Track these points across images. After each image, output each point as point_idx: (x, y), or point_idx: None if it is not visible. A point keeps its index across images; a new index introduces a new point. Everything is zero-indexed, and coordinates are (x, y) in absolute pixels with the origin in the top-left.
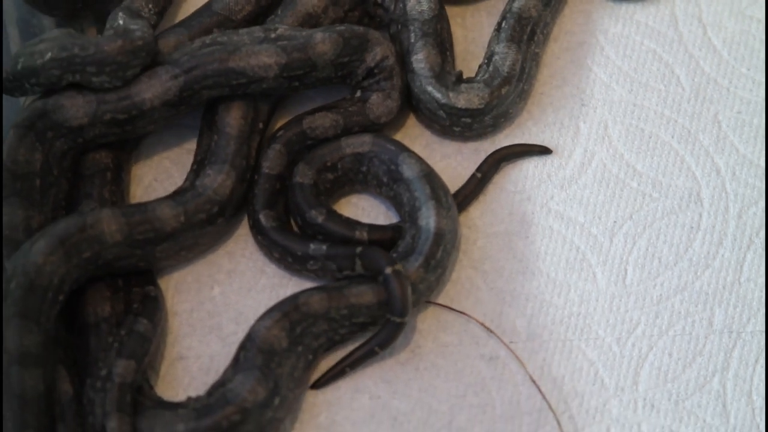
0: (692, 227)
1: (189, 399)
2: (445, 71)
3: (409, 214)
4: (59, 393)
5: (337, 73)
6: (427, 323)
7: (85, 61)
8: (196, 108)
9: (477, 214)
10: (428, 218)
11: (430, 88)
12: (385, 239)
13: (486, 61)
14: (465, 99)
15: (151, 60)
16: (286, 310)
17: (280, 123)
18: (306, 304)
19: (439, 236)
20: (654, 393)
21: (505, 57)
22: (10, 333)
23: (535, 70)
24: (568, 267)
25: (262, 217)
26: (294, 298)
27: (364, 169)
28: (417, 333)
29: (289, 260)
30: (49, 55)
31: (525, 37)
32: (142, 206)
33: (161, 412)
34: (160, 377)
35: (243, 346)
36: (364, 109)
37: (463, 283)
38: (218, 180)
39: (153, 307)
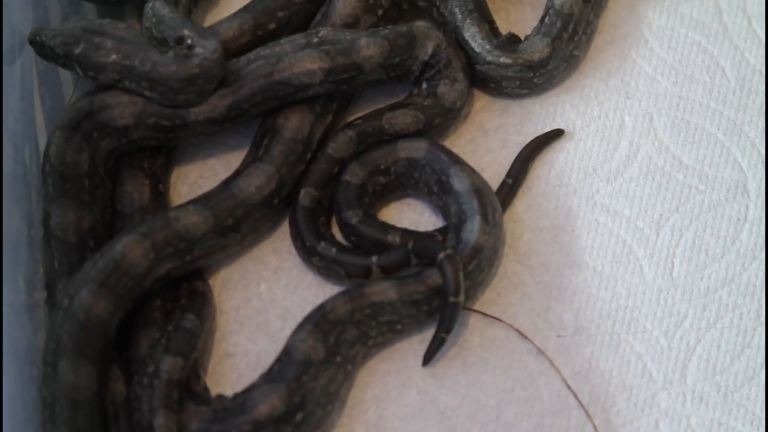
0: (739, 219)
1: (219, 397)
2: (499, 40)
3: (455, 225)
4: (113, 393)
5: (389, 75)
6: (474, 318)
7: (141, 75)
8: (243, 126)
9: (522, 208)
10: (471, 233)
11: (490, 57)
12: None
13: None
14: (533, 53)
15: (213, 88)
16: (317, 320)
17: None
18: (332, 311)
19: (475, 251)
20: (703, 386)
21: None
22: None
23: (570, 71)
24: (614, 260)
25: (302, 192)
26: (320, 308)
27: (416, 175)
28: (464, 328)
29: (298, 244)
30: (113, 57)
31: (565, 35)
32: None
33: (188, 403)
34: (208, 374)
35: (279, 359)
36: (438, 100)
37: (509, 278)
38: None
39: (201, 303)
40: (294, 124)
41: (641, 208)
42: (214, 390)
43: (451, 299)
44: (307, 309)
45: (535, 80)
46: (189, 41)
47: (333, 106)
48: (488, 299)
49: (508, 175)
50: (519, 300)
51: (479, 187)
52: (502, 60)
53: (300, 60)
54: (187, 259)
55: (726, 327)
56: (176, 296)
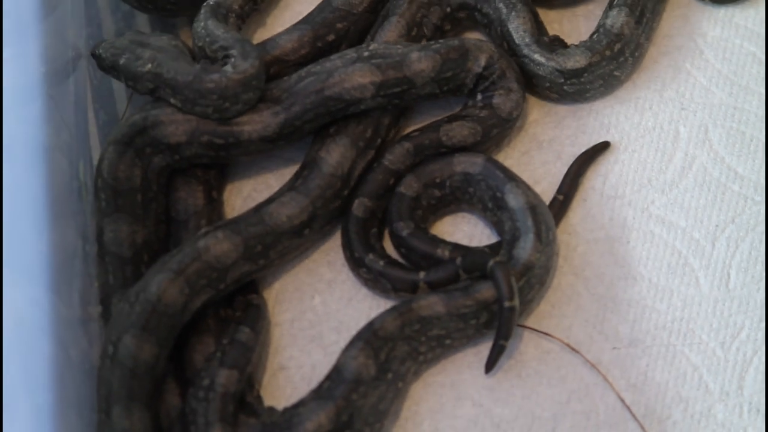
0: None
1: (270, 410)
2: (542, 37)
3: (508, 242)
4: (168, 406)
5: (442, 89)
6: (528, 330)
7: (165, 82)
8: (296, 142)
9: (577, 220)
10: (523, 250)
11: (526, 51)
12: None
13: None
14: (567, 60)
15: (254, 102)
16: (367, 337)
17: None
18: (382, 328)
19: (526, 268)
20: (760, 397)
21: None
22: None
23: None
24: (670, 272)
25: (356, 202)
26: (370, 324)
27: (471, 190)
28: (518, 340)
29: (348, 254)
30: (148, 66)
31: (608, 53)
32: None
33: (239, 414)
34: (262, 387)
35: (329, 376)
36: (494, 111)
37: (564, 290)
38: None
39: (255, 315)
40: (335, 159)
41: (696, 219)
42: (268, 403)
43: (506, 304)
44: (362, 322)
45: (565, 87)
46: (232, 60)
47: (377, 142)
48: (543, 311)
49: (558, 191)
50: (573, 312)
51: (534, 205)
52: (536, 56)
53: (351, 74)
54: (221, 288)
55: None
56: (229, 303)
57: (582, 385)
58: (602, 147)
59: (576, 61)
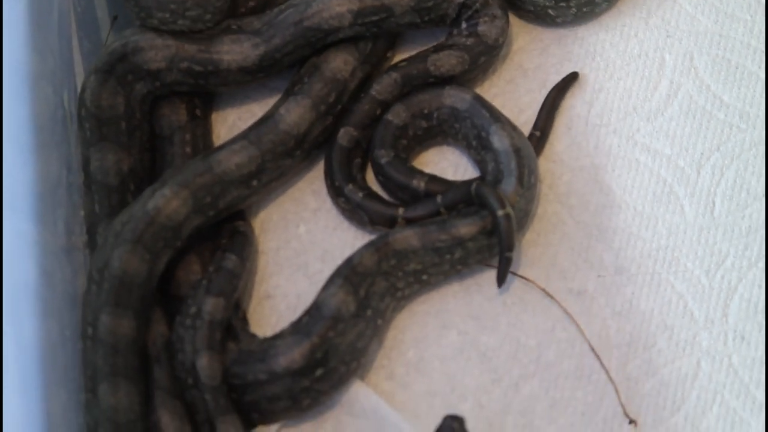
0: None
1: (251, 336)
2: None
3: (490, 183)
4: (155, 335)
5: (423, 18)
6: (514, 258)
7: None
8: (275, 75)
9: (562, 148)
10: (504, 192)
11: None
12: (442, 193)
13: None
14: None
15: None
16: (346, 273)
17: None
18: (360, 264)
19: None
20: (744, 325)
21: None
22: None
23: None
24: (655, 200)
25: (342, 131)
26: (349, 260)
27: (457, 125)
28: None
29: (328, 182)
30: None
31: None
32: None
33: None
34: (248, 315)
35: (308, 311)
36: (480, 39)
37: (549, 218)
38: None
39: (241, 243)
40: (293, 118)
41: (682, 147)
42: (254, 331)
43: (500, 212)
44: (347, 251)
45: (549, 11)
46: None
47: (338, 108)
48: (528, 240)
49: (534, 127)
50: (559, 240)
51: (519, 147)
52: None
53: (328, 3)
54: (177, 246)
55: None
56: (217, 236)
57: (568, 312)
58: (571, 78)
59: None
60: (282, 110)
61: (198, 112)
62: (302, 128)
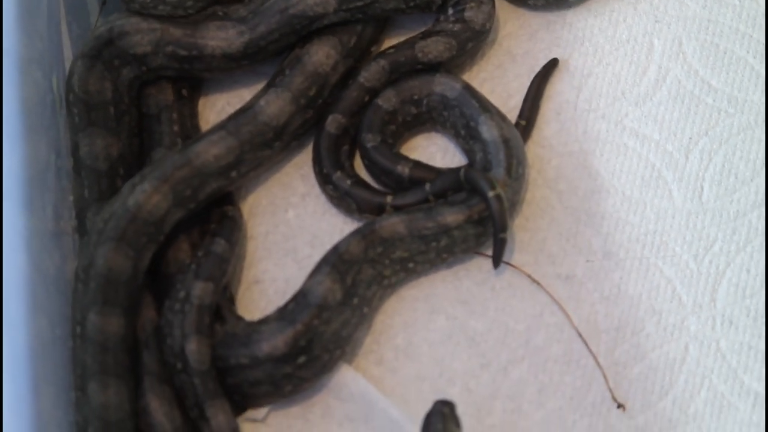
0: None
1: (237, 319)
2: None
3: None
4: (143, 320)
5: (408, 4)
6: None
7: None
8: (259, 62)
9: (551, 133)
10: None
11: None
12: (427, 180)
13: None
14: None
15: None
16: (333, 261)
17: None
18: (347, 251)
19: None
20: (732, 309)
21: None
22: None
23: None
24: (643, 185)
25: (330, 118)
26: (335, 248)
27: (446, 113)
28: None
29: (316, 169)
30: None
31: None
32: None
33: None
34: (237, 300)
35: (295, 298)
36: (467, 24)
37: (538, 203)
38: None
39: (230, 227)
40: (272, 110)
41: (670, 131)
42: (242, 314)
43: (491, 194)
44: (335, 236)
45: None
46: None
47: (318, 102)
48: (517, 225)
49: (520, 116)
50: (547, 225)
51: (507, 138)
52: None
53: None
54: (160, 240)
55: (755, 250)
56: (206, 220)
57: (555, 298)
58: (552, 65)
59: None
60: (262, 102)
61: (185, 92)
62: (281, 120)
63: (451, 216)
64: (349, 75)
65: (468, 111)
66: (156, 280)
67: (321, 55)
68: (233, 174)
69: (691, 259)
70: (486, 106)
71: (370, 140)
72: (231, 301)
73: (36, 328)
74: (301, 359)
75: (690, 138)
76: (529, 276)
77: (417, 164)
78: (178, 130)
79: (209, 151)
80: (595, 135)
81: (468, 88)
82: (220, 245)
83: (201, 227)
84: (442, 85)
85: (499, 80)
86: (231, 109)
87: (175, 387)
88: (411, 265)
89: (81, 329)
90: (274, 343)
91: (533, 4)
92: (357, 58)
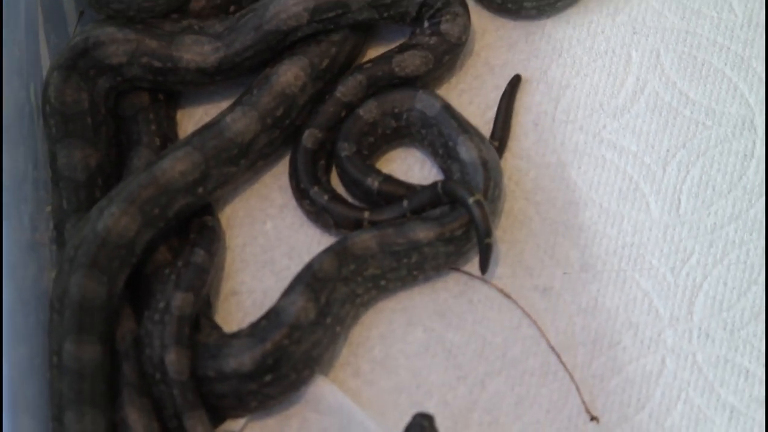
0: (746, 155)
1: (213, 329)
2: None
3: None
4: (123, 331)
5: (382, 15)
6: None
7: None
8: (233, 79)
9: (529, 144)
10: None
11: None
12: (396, 194)
13: None
14: None
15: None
16: (307, 280)
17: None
18: (321, 269)
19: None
20: (709, 322)
21: None
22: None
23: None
24: (621, 197)
25: (306, 133)
26: (309, 267)
27: (424, 131)
28: (470, 265)
29: (293, 184)
30: None
31: None
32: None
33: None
34: (215, 312)
35: (267, 315)
36: (443, 38)
37: (515, 215)
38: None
39: (210, 238)
40: (238, 127)
41: (648, 144)
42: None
43: (470, 200)
44: (313, 248)
45: (525, 3)
46: None
47: (286, 122)
48: (494, 236)
49: (492, 137)
50: (525, 237)
51: (486, 160)
52: None
53: (285, 4)
54: (134, 262)
55: (732, 263)
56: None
57: (533, 311)
58: (516, 81)
59: None
60: (228, 118)
61: (161, 96)
62: (247, 138)
63: (423, 232)
64: (319, 96)
65: (446, 131)
66: (141, 281)
67: (290, 75)
68: (200, 190)
69: (669, 271)
70: (465, 127)
71: (345, 149)
72: (208, 306)
73: (15, 349)
74: (268, 377)
75: (667, 150)
76: (501, 291)
77: (388, 178)
78: (156, 129)
79: (175, 168)
80: (573, 147)
81: (447, 108)
82: (199, 255)
83: (178, 235)
84: (423, 102)
85: (477, 91)
86: (209, 119)
87: (154, 397)
88: (383, 282)
89: (57, 359)
90: (241, 359)
91: (525, 15)
92: (327, 81)
